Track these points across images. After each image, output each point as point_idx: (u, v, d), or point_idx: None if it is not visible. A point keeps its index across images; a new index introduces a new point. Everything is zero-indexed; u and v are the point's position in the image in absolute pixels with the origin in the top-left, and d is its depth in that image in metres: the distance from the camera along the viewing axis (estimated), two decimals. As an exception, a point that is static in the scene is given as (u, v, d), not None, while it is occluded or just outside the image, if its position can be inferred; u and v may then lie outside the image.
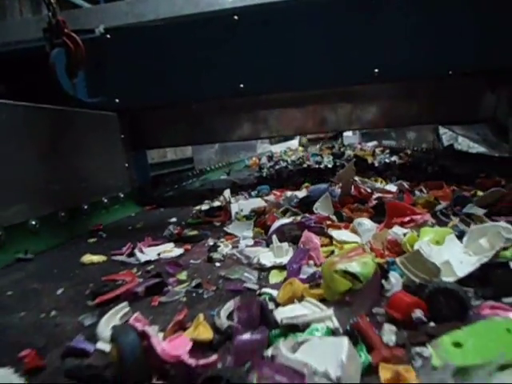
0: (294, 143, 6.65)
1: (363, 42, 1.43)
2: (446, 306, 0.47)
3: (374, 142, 5.17)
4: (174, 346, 0.41)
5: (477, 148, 2.66)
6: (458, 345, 0.39)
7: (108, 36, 1.48)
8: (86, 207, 1.34)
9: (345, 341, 0.38)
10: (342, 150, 4.57)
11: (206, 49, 1.50)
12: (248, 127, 2.15)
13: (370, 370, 0.39)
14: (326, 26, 1.44)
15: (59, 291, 0.74)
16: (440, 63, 1.44)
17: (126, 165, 1.73)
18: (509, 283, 0.53)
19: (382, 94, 1.97)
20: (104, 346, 0.49)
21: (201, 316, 0.51)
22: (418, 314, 0.47)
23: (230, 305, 0.55)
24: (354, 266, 0.53)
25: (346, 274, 0.53)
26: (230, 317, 0.52)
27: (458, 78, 1.72)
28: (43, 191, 1.16)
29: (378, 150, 3.91)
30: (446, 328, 0.43)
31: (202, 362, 0.38)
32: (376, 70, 1.44)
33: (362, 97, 1.99)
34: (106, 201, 1.48)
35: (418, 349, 0.40)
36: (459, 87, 1.82)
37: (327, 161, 3.38)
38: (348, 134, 6.36)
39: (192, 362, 0.37)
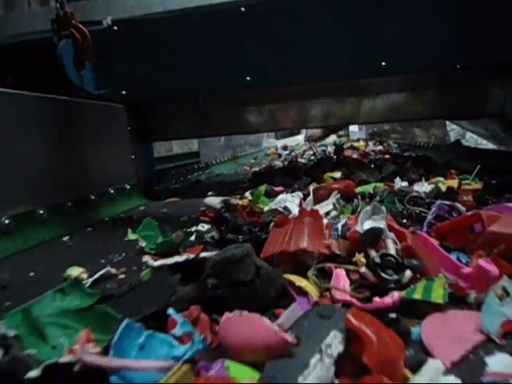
0: (299, 138, 6.53)
1: (370, 35, 1.44)
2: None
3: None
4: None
5: (485, 145, 2.69)
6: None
7: (115, 28, 1.49)
8: (92, 198, 1.36)
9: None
10: (341, 142, 5.50)
11: (213, 41, 1.51)
12: (254, 120, 2.15)
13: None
14: (332, 19, 1.44)
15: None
16: (447, 57, 1.43)
17: (133, 157, 1.75)
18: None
19: (389, 87, 1.96)
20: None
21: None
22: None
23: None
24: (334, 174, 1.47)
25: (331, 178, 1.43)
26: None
27: (465, 72, 1.72)
28: (51, 181, 1.18)
29: (370, 142, 4.89)
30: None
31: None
32: (383, 63, 1.45)
33: (368, 91, 1.98)
34: (112, 192, 1.49)
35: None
36: (467, 81, 1.80)
37: (330, 150, 4.14)
38: (354, 129, 6.33)
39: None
